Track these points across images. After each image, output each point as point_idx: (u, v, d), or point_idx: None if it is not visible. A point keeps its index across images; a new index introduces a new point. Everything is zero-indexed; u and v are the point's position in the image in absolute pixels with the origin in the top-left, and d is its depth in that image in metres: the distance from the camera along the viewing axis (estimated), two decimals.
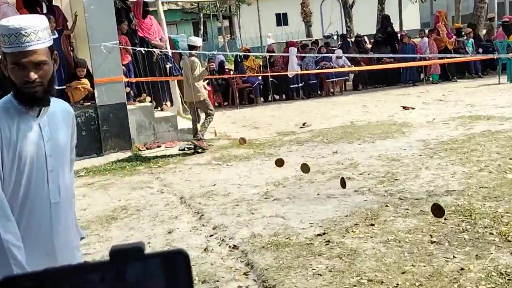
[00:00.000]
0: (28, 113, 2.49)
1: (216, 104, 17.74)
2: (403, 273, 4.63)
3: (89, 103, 10.63)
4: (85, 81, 10.70)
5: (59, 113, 2.65)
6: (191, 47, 10.55)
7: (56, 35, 10.59)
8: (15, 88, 2.43)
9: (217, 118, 14.63)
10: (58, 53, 9.57)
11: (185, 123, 12.32)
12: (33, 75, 2.34)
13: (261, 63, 18.46)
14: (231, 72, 17.98)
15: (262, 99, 17.83)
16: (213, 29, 49.28)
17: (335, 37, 31.94)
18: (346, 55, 18.06)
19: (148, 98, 11.97)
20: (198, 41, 10.76)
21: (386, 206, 6.27)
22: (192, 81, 10.35)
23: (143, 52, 12.39)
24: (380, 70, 17.55)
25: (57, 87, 10.52)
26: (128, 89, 11.48)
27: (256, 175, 8.31)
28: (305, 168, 7.18)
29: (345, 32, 30.87)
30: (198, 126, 10.66)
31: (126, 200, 7.65)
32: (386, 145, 9.36)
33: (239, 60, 17.91)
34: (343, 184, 6.65)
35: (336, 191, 7.03)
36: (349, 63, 18.34)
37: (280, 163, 7.55)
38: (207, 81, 18.43)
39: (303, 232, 5.74)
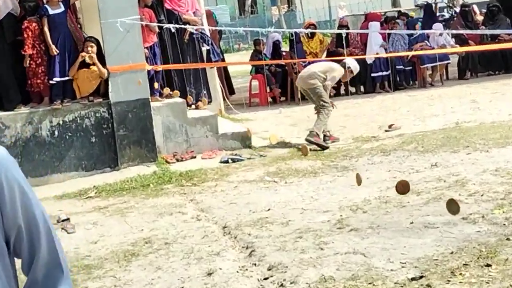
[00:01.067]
0: None
1: (270, 99, 17.83)
2: None
3: (101, 100, 10.78)
4: (93, 69, 10.77)
5: None
6: None
7: (62, 8, 10.78)
8: None
9: (272, 119, 14.68)
10: (64, 32, 9.71)
11: (228, 125, 12.39)
12: None
13: (328, 43, 18.41)
14: (290, 56, 17.96)
15: (331, 92, 17.79)
16: None
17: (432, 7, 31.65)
18: (448, 31, 17.87)
19: (177, 93, 12.06)
20: None
21: (508, 239, 6.16)
22: None
23: (172, 30, 12.47)
24: (496, 51, 17.29)
25: (59, 78, 10.74)
26: (155, 84, 11.59)
27: (325, 196, 8.27)
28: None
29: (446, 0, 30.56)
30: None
31: (151, 230, 7.73)
32: (506, 156, 9.21)
33: (295, 40, 17.85)
34: (454, 207, 6.58)
35: (437, 218, 6.94)
36: (452, 42, 18.12)
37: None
38: (252, 68, 18.57)
39: (392, 275, 5.68)
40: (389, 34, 17.73)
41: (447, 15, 27.32)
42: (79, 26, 11.75)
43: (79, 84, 10.85)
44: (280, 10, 43.76)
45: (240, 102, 17.49)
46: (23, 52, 10.60)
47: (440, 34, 17.95)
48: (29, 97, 11.00)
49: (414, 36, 17.95)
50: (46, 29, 10.71)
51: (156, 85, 11.58)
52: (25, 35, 10.61)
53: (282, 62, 17.49)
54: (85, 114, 10.50)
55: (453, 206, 6.83)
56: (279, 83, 17.80)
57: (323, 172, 9.51)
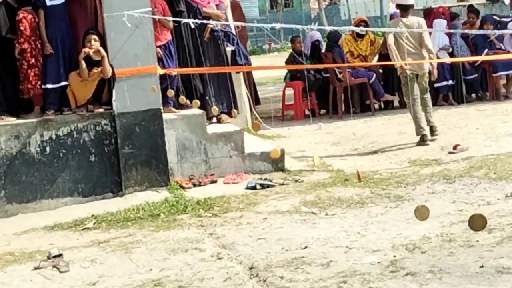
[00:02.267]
0: None
1: (307, 111, 17.80)
2: None
3: (102, 109, 10.80)
4: (94, 70, 10.71)
5: None
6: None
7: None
8: None
9: (310, 136, 14.69)
10: (62, 28, 9.68)
11: (256, 143, 12.40)
12: None
13: (381, 44, 18.39)
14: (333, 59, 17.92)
15: (390, 97, 17.80)
16: None
17: (506, 1, 31.58)
18: None
19: (197, 102, 12.06)
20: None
21: None
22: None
23: (192, 26, 12.47)
24: None
25: (53, 86, 10.78)
26: (169, 91, 11.61)
27: (375, 232, 8.25)
28: (479, 222, 7.08)
29: None
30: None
31: (161, 270, 7.73)
32: None
33: (334, 40, 17.84)
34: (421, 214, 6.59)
35: None
36: None
37: (423, 213, 7.42)
38: (287, 73, 18.57)
39: None
40: (451, 35, 17.66)
41: None
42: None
43: (73, 89, 10.82)
44: (320, 3, 43.88)
45: (270, 115, 17.50)
46: (16, 46, 10.65)
47: None
48: (16, 106, 11.03)
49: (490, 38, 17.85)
50: (42, 23, 10.78)
51: (170, 92, 11.58)
52: (21, 28, 10.65)
53: (326, 66, 17.37)
54: (83, 127, 10.49)
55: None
56: (319, 92, 17.82)
57: (373, 203, 9.49)
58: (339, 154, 12.82)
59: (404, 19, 13.39)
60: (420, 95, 13.28)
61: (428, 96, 13.55)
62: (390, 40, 13.28)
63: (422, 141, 12.94)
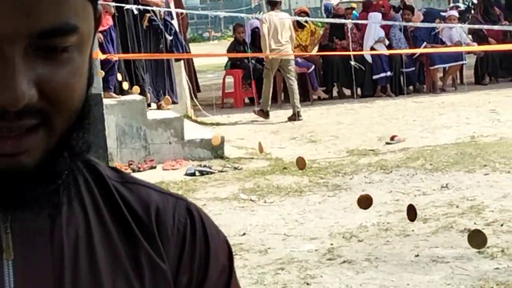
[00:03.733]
0: None
1: (247, 99, 17.81)
2: None
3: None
4: None
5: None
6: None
7: None
8: None
9: (249, 124, 14.70)
10: None
11: (196, 130, 12.38)
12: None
13: (320, 35, 18.47)
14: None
15: (322, 94, 17.86)
16: None
17: None
18: (465, 25, 17.96)
19: (137, 89, 12.03)
20: None
21: None
22: None
23: (134, 12, 12.43)
24: None
25: None
26: (118, 75, 11.56)
27: (313, 220, 8.30)
28: (412, 212, 7.14)
29: None
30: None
31: None
32: None
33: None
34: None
35: (448, 251, 6.98)
36: (469, 39, 18.20)
37: (366, 202, 7.41)
38: (228, 61, 18.58)
39: None
40: (389, 28, 17.76)
41: (462, 7, 27.40)
42: None
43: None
44: None
45: (210, 103, 17.43)
46: None
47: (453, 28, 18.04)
48: None
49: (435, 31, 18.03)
50: None
51: (119, 76, 11.56)
52: None
53: (266, 55, 17.40)
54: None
55: (477, 238, 6.86)
56: (258, 80, 17.83)
57: (311, 191, 9.53)
58: (278, 142, 12.83)
59: (274, 13, 15.35)
60: (287, 82, 15.36)
61: (294, 83, 15.17)
62: (265, 30, 15.00)
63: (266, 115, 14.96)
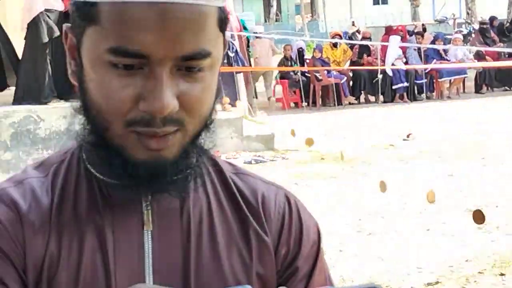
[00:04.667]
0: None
1: (292, 104, 17.84)
2: None
3: None
4: None
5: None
6: None
7: None
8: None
9: (294, 123, 14.68)
10: None
11: (252, 128, 12.40)
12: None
13: (351, 53, 18.47)
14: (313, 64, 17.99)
15: (352, 100, 17.83)
16: (289, 7, 49.55)
17: (450, 22, 31.58)
18: (467, 47, 17.84)
19: (226, 99, 12.13)
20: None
21: None
22: None
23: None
24: None
25: None
26: None
27: (345, 200, 8.27)
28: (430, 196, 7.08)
29: (464, 15, 30.47)
30: None
31: None
32: None
33: (318, 49, 17.94)
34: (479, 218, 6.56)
35: (453, 227, 6.92)
36: (470, 56, 18.06)
37: (384, 187, 7.38)
38: (278, 73, 18.61)
39: (408, 279, 5.67)
40: (406, 49, 17.75)
41: (465, 31, 27.24)
42: None
43: None
44: (303, 18, 43.71)
45: (263, 106, 17.48)
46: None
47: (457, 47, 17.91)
48: (63, 92, 11.03)
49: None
50: None
51: None
52: None
53: (307, 69, 17.49)
54: None
55: (478, 216, 6.84)
56: (302, 89, 17.86)
57: (344, 177, 9.50)
58: (316, 138, 12.81)
59: None
60: None
61: None
62: None
63: None
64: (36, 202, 1.20)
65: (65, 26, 1.19)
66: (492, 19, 20.67)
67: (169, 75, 1.08)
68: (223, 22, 1.15)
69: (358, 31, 21.51)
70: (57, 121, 10.34)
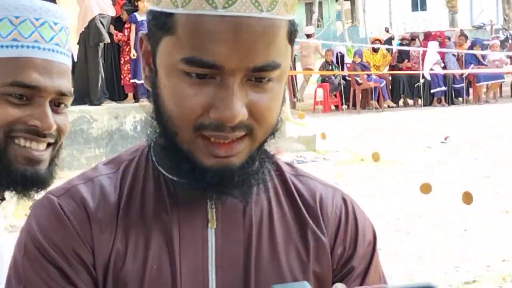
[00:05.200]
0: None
1: (333, 107, 17.81)
2: None
3: None
4: None
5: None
6: None
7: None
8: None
9: (333, 125, 14.65)
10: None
11: (294, 129, 12.40)
12: (52, 120, 1.44)
13: (391, 57, 18.38)
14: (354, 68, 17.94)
15: (391, 103, 17.74)
16: (331, 13, 49.40)
17: (487, 28, 31.25)
18: (505, 53, 17.66)
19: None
20: None
21: None
22: None
23: None
24: None
25: (140, 81, 10.90)
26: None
27: (383, 200, 8.26)
28: (466, 197, 7.02)
29: (502, 21, 30.13)
30: None
31: None
32: None
33: (358, 54, 17.88)
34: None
35: (490, 228, 6.87)
36: (508, 61, 17.86)
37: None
38: (319, 77, 18.58)
39: (446, 278, 5.65)
40: (444, 53, 17.62)
41: (502, 37, 26.94)
42: None
43: None
44: (344, 24, 43.55)
45: (304, 108, 17.48)
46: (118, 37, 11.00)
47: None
48: (115, 94, 11.18)
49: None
50: (132, 34, 10.90)
51: None
52: (128, 33, 11.09)
53: (348, 73, 17.44)
54: None
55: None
56: (342, 92, 17.84)
57: (382, 178, 9.46)
58: (356, 140, 12.77)
59: None
60: None
61: None
62: None
63: None
64: (105, 200, 1.21)
65: (140, 33, 1.20)
66: None
67: (240, 85, 1.09)
68: (292, 34, 1.14)
69: (392, 38, 21.33)
70: (108, 121, 10.47)
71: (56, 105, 1.46)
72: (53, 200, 1.20)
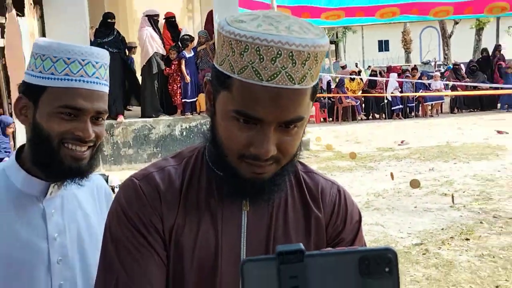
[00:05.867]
0: (27, 192, 1.49)
1: (322, 119, 17.74)
2: (497, 286, 4.42)
3: None
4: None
5: (88, 192, 1.63)
6: None
7: (192, 53, 11.03)
8: (40, 146, 1.47)
9: (322, 132, 14.61)
10: (193, 68, 9.61)
11: None
12: (91, 131, 1.47)
13: (363, 84, 18.29)
14: (337, 92, 17.86)
15: (363, 117, 17.65)
16: None
17: (432, 64, 31.05)
18: (444, 82, 17.54)
19: None
20: None
21: (481, 223, 6.02)
22: None
23: None
24: (475, 96, 16.89)
25: (189, 100, 10.92)
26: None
27: (357, 186, 8.20)
28: (415, 183, 7.04)
29: (442, 59, 29.94)
30: None
31: None
32: (481, 166, 8.98)
33: (341, 82, 17.81)
34: (415, 185, 6.60)
35: (433, 205, 6.83)
36: (443, 87, 17.77)
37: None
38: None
39: (401, 241, 5.62)
40: (402, 82, 17.53)
41: (442, 70, 26.78)
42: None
43: (200, 103, 10.96)
44: (330, 60, 43.41)
45: None
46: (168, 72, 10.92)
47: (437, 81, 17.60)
48: (168, 110, 11.18)
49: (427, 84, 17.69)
50: (183, 66, 10.92)
51: None
52: (174, 67, 10.97)
53: (333, 95, 17.37)
54: (204, 122, 10.59)
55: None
56: (329, 109, 17.76)
57: (357, 169, 9.43)
58: (339, 143, 12.71)
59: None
60: None
61: None
62: None
63: None
64: (171, 185, 1.21)
65: (206, 78, 1.19)
66: (460, 63, 20.31)
67: (273, 131, 1.07)
68: (315, 93, 1.12)
69: (359, 71, 21.19)
70: (163, 128, 10.50)
71: (95, 119, 1.48)
72: (135, 182, 1.20)
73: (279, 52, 1.02)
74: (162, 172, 1.22)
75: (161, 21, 11.50)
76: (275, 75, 1.03)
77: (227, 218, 1.20)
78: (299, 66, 1.04)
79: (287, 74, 1.04)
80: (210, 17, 11.17)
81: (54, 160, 1.45)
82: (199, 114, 10.88)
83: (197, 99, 11.00)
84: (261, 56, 1.03)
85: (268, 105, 1.05)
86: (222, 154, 1.14)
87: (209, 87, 1.17)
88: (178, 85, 11.00)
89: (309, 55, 1.04)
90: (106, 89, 1.51)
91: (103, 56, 1.49)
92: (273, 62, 1.03)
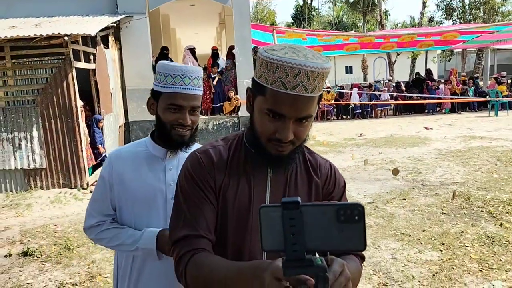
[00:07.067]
0: (156, 155, 1.61)
1: None
2: (423, 231, 4.47)
3: (235, 114, 10.83)
4: (234, 98, 10.79)
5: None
6: None
7: (217, 74, 10.95)
8: (161, 129, 1.57)
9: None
10: (219, 85, 9.41)
11: None
12: (188, 119, 1.54)
13: (335, 96, 18.13)
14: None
15: (334, 117, 17.55)
16: None
17: (382, 82, 30.75)
18: (390, 93, 17.37)
19: None
20: None
21: (413, 188, 6.03)
22: None
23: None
24: (411, 104, 16.74)
25: (217, 105, 10.84)
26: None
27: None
28: (395, 171, 6.76)
29: (388, 79, 29.66)
30: None
31: None
32: (413, 151, 8.95)
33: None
34: (395, 172, 6.53)
35: (381, 177, 6.83)
36: (388, 97, 17.62)
37: (396, 171, 6.75)
38: None
39: (360, 200, 5.64)
40: (361, 94, 17.35)
41: (390, 85, 26.52)
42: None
43: (225, 107, 10.88)
44: None
45: None
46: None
47: (385, 93, 17.41)
48: (203, 113, 11.10)
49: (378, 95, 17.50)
50: (214, 82, 10.86)
51: None
52: (204, 87, 10.83)
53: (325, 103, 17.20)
54: (228, 120, 10.55)
55: (395, 171, 6.79)
56: None
57: (330, 153, 9.39)
58: (318, 135, 12.66)
59: None
60: None
61: None
62: None
63: None
64: (220, 157, 1.19)
65: (247, 88, 1.17)
66: (401, 81, 20.02)
67: (292, 124, 1.06)
68: (320, 99, 1.11)
69: (330, 87, 20.93)
70: (201, 125, 10.43)
71: (192, 111, 1.57)
72: (197, 155, 1.20)
73: (299, 71, 1.03)
74: (215, 149, 1.22)
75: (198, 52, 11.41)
76: (295, 86, 1.03)
77: (257, 180, 1.18)
78: (312, 81, 1.04)
79: (303, 86, 1.04)
80: (230, 50, 11.10)
81: (168, 137, 1.56)
82: (224, 115, 10.85)
83: (223, 105, 10.96)
84: (287, 73, 1.03)
85: (289, 106, 1.05)
86: (256, 137, 1.13)
87: (249, 93, 1.15)
88: (210, 98, 10.96)
89: (318, 74, 1.05)
90: (199, 93, 1.58)
91: (196, 71, 1.57)
92: (294, 77, 1.03)
